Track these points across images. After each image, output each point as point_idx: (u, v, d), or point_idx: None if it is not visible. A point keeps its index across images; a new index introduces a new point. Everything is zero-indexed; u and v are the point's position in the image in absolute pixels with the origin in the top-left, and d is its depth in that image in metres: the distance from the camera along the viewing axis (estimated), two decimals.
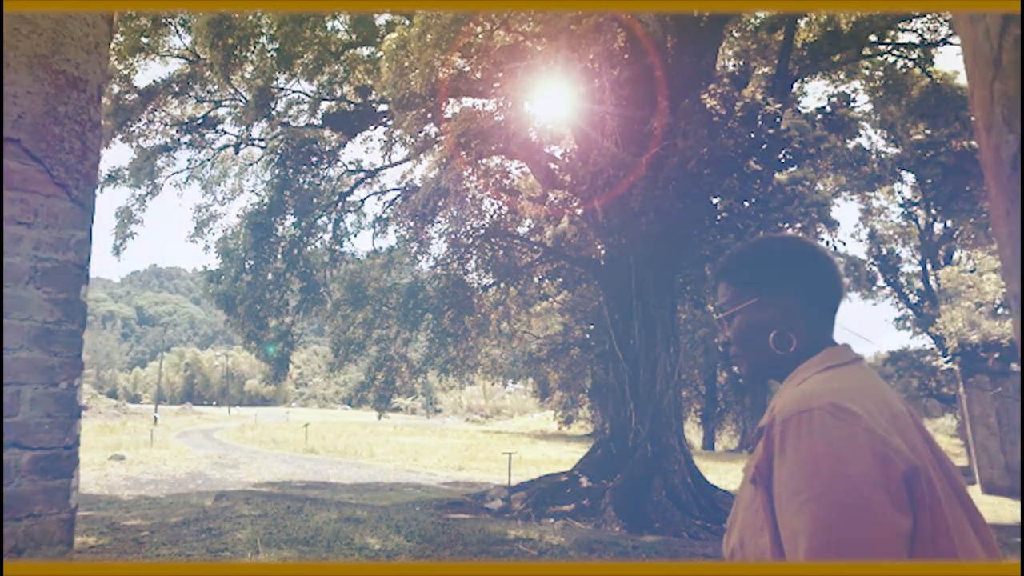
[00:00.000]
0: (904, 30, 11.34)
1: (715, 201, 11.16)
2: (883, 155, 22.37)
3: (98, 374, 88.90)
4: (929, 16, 10.83)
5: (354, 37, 13.41)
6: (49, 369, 1.36)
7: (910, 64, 12.18)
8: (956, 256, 28.08)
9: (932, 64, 11.75)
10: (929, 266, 29.61)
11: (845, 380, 1.07)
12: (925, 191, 27.12)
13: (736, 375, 31.74)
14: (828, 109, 11.67)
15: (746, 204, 11.42)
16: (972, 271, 20.26)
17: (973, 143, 14.85)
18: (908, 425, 1.02)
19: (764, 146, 10.74)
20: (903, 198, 29.86)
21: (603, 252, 13.30)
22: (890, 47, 11.77)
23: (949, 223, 28.30)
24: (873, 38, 11.34)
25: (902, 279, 31.34)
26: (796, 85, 13.07)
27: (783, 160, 11.15)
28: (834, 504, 0.90)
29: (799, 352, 1.17)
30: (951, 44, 10.93)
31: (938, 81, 11.89)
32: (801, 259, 1.22)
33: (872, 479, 0.91)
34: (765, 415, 1.09)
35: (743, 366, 1.26)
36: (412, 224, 11.98)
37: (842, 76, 15.12)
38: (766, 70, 13.03)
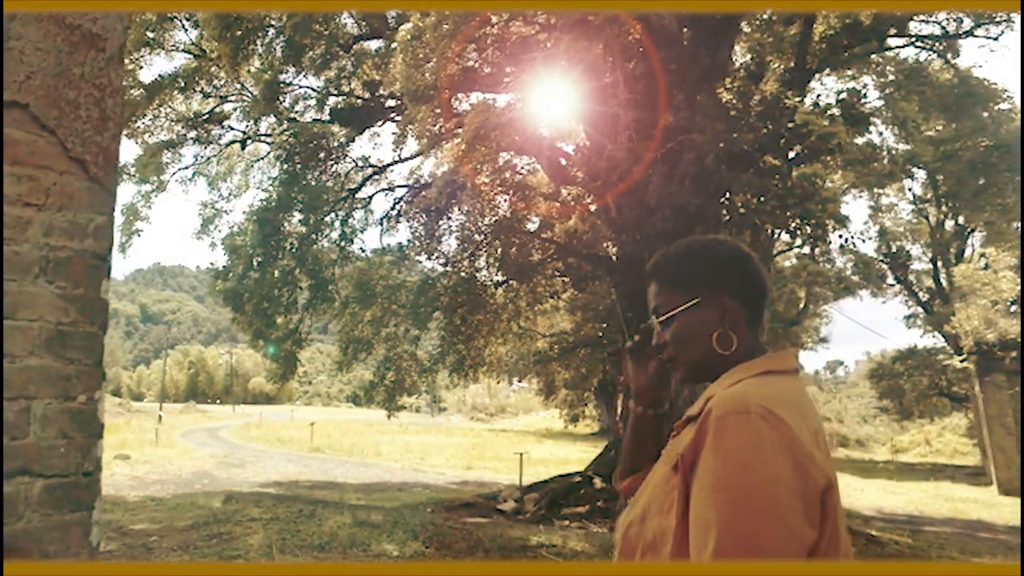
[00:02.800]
0: (926, 21, 11.08)
1: (732, 197, 10.91)
2: (894, 151, 22.09)
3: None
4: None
5: (363, 29, 13.19)
6: (64, 379, 1.11)
7: (934, 56, 11.91)
8: (968, 254, 27.77)
9: (957, 56, 11.48)
10: (940, 263, 29.33)
11: (778, 388, 1.09)
12: (936, 187, 26.85)
13: None
14: (846, 104, 11.41)
15: (761, 200, 11.18)
16: (985, 268, 20.01)
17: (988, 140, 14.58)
18: (823, 442, 1.09)
19: (783, 141, 10.51)
20: (914, 195, 29.58)
21: (615, 249, 13.07)
22: (913, 39, 11.49)
23: (961, 219, 27.99)
24: (894, 30, 11.07)
25: (911, 277, 31.07)
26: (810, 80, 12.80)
27: (800, 155, 10.92)
28: (752, 506, 0.94)
29: (738, 353, 1.19)
30: (975, 36, 10.69)
31: (964, 74, 11.62)
32: (737, 260, 1.24)
33: (793, 488, 0.95)
34: (696, 405, 1.11)
35: (681, 369, 1.25)
36: (425, 219, 11.76)
37: (850, 72, 14.89)
38: (781, 65, 12.79)
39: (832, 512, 1.01)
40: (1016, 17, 10.39)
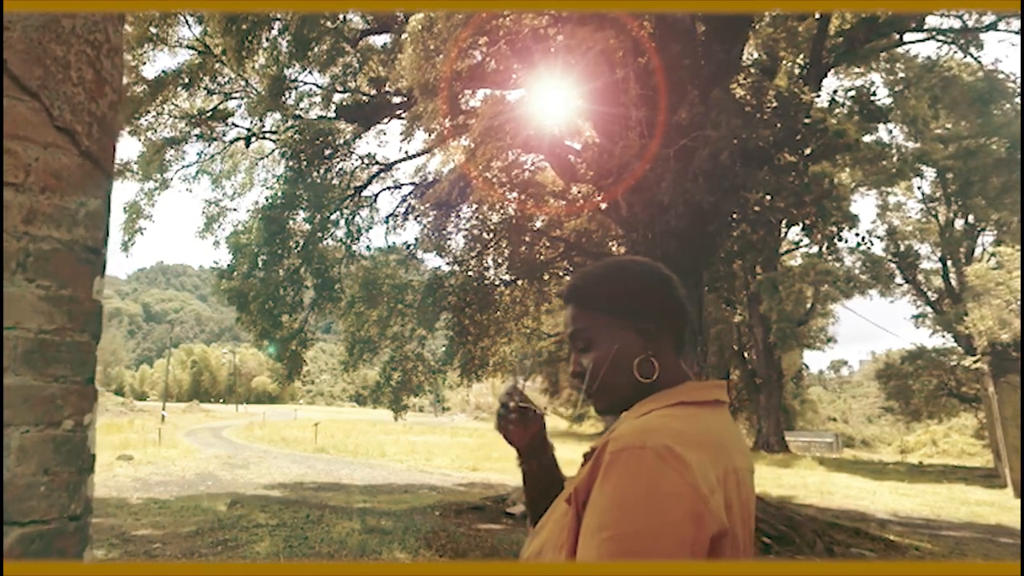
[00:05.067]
0: (946, 15, 10.81)
1: (746, 195, 10.68)
2: (904, 149, 21.84)
3: (105, 371, 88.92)
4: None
5: (370, 23, 12.98)
6: (47, 401, 0.86)
7: (954, 51, 11.64)
8: (978, 253, 27.51)
9: (981, 49, 11.21)
10: (949, 263, 29.08)
11: (689, 423, 1.02)
12: (946, 185, 26.61)
13: (752, 372, 31.22)
14: (861, 99, 11.19)
15: (775, 197, 10.97)
16: (996, 268, 19.74)
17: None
18: (738, 482, 1.01)
19: (798, 137, 10.30)
20: (923, 194, 29.34)
21: (625, 248, 12.86)
22: (933, 33, 11.24)
23: (971, 218, 27.73)
24: (913, 24, 10.82)
25: (920, 276, 30.84)
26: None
27: (815, 152, 10.71)
28: (633, 550, 0.90)
29: (659, 382, 1.12)
30: (996, 30, 10.42)
31: (989, 68, 11.35)
32: (659, 283, 1.17)
33: (681, 536, 0.90)
34: (602, 437, 1.04)
35: (600, 399, 1.17)
36: (434, 214, 11.55)
37: (859, 70, 14.67)
38: (796, 60, 12.57)
39: (725, 558, 0.96)
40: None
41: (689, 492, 0.91)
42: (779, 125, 10.15)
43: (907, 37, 11.17)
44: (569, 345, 1.20)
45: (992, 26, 10.54)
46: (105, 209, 0.95)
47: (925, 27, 11.02)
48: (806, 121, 10.07)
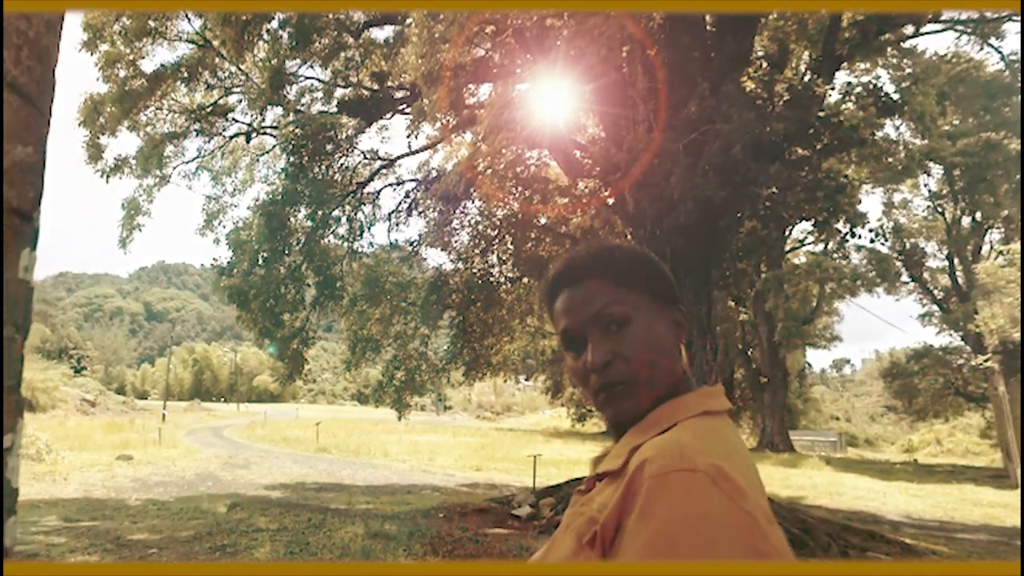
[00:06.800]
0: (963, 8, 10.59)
1: (758, 190, 10.46)
2: (910, 146, 21.59)
3: (106, 370, 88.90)
4: None
5: (373, 15, 12.76)
6: None
7: (975, 40, 11.40)
8: (986, 250, 27.26)
9: (1002, 39, 10.99)
10: (956, 261, 28.84)
11: (724, 439, 0.86)
12: (953, 183, 26.37)
13: (756, 371, 30.97)
14: (875, 92, 10.98)
15: (786, 193, 10.75)
16: (1006, 265, 19.51)
17: None
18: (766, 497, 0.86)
19: (811, 131, 10.07)
20: (929, 191, 29.10)
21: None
22: (952, 24, 11.00)
23: (979, 216, 27.49)
24: (930, 15, 10.59)
25: (926, 274, 30.62)
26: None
27: (829, 146, 10.48)
28: None
29: (686, 381, 0.96)
30: (1014, 21, 10.19)
31: (1011, 57, 11.13)
32: (665, 270, 1.02)
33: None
34: (612, 457, 0.88)
35: (636, 392, 0.91)
36: (440, 208, 11.33)
37: (865, 65, 14.44)
38: (807, 52, 12.35)
39: None
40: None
41: (747, 525, 0.75)
42: (792, 118, 9.91)
43: (924, 29, 10.96)
44: (580, 331, 0.94)
45: (1011, 16, 10.31)
46: (39, 160, 0.69)
47: (942, 19, 10.79)
48: (819, 114, 9.85)
